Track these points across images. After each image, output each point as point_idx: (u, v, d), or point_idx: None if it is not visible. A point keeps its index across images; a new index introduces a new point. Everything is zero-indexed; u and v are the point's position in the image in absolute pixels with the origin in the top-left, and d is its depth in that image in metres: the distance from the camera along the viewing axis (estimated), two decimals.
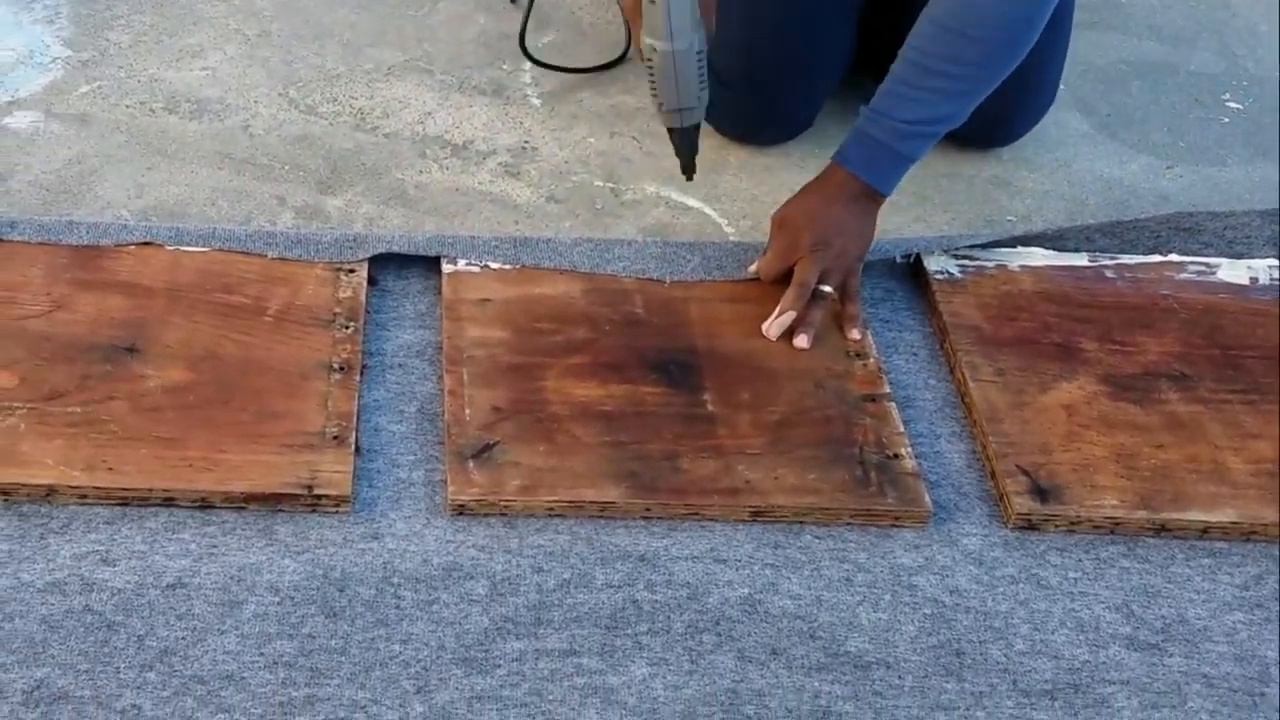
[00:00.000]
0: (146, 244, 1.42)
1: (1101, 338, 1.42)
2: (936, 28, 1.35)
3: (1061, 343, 1.41)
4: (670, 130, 1.41)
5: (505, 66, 1.78)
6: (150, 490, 1.18)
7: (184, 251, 1.42)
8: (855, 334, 1.40)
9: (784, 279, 1.41)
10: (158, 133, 1.62)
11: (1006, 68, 1.38)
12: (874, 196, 1.42)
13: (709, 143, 1.68)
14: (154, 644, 1.07)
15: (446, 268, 1.43)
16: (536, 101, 1.73)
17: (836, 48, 1.65)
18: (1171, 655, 1.15)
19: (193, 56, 1.75)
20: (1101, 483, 1.27)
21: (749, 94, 1.64)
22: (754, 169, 1.63)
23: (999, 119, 1.61)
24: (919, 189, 1.61)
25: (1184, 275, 1.50)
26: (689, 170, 1.43)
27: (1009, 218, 1.59)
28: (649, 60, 1.34)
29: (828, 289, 1.40)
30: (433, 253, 1.45)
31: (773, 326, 1.39)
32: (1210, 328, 1.44)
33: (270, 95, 1.70)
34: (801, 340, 1.39)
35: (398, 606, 1.13)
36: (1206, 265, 1.51)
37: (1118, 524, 1.24)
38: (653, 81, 1.36)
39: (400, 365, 1.35)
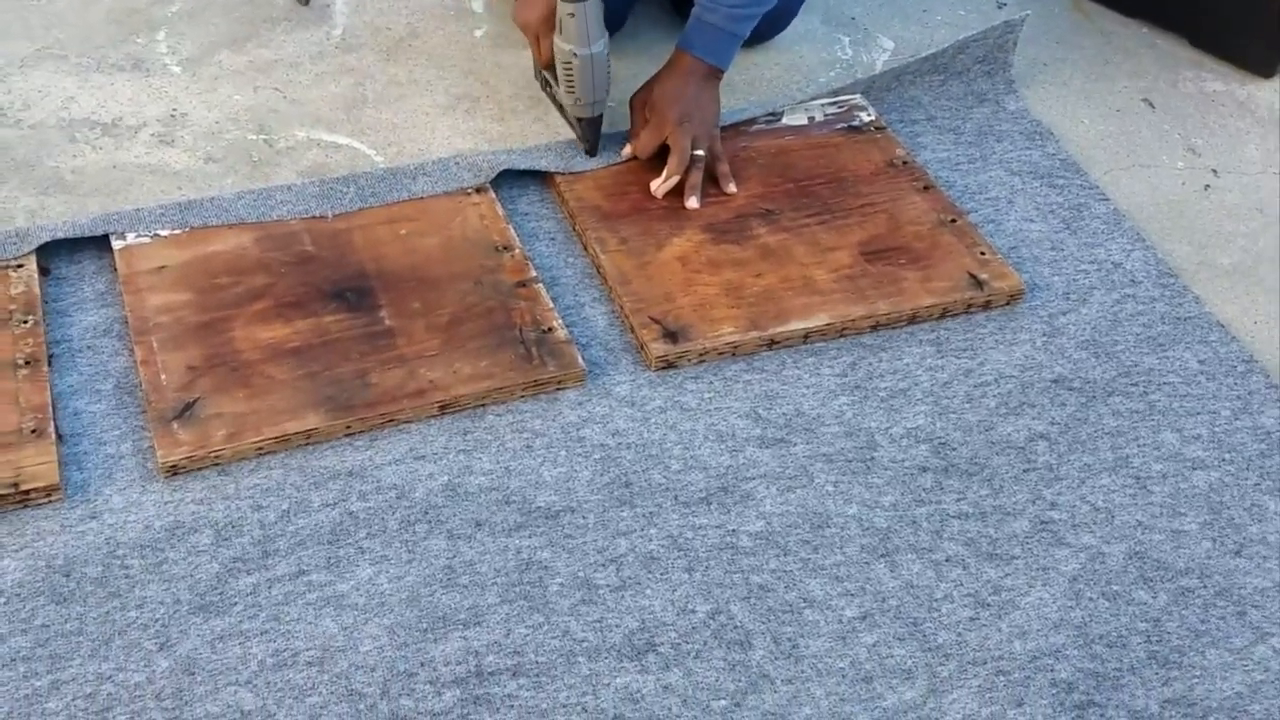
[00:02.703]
0: None
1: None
2: None
3: (667, 206, 1.37)
4: (579, 119, 1.41)
5: (139, 40, 1.57)
6: None
7: None
8: (731, 188, 1.39)
9: (660, 153, 1.39)
10: None
11: None
12: (716, 73, 1.42)
13: (343, 81, 1.56)
14: None
15: (116, 244, 1.28)
16: (177, 69, 1.54)
17: None
18: (795, 445, 1.17)
19: None
20: (718, 315, 1.26)
21: None
22: (389, 99, 1.51)
23: (771, 17, 1.55)
24: (534, 92, 1.51)
25: (756, 127, 1.48)
26: (594, 150, 1.43)
27: (610, 103, 1.46)
28: (568, 64, 1.36)
29: (701, 153, 1.39)
30: (99, 232, 1.29)
31: (661, 188, 1.38)
32: (783, 166, 1.43)
33: None
34: (693, 202, 1.37)
35: (127, 576, 1.02)
36: (772, 115, 1.50)
37: (736, 347, 1.24)
38: (570, 82, 1.37)
39: (89, 347, 1.20)
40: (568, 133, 1.46)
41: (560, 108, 1.47)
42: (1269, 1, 1.57)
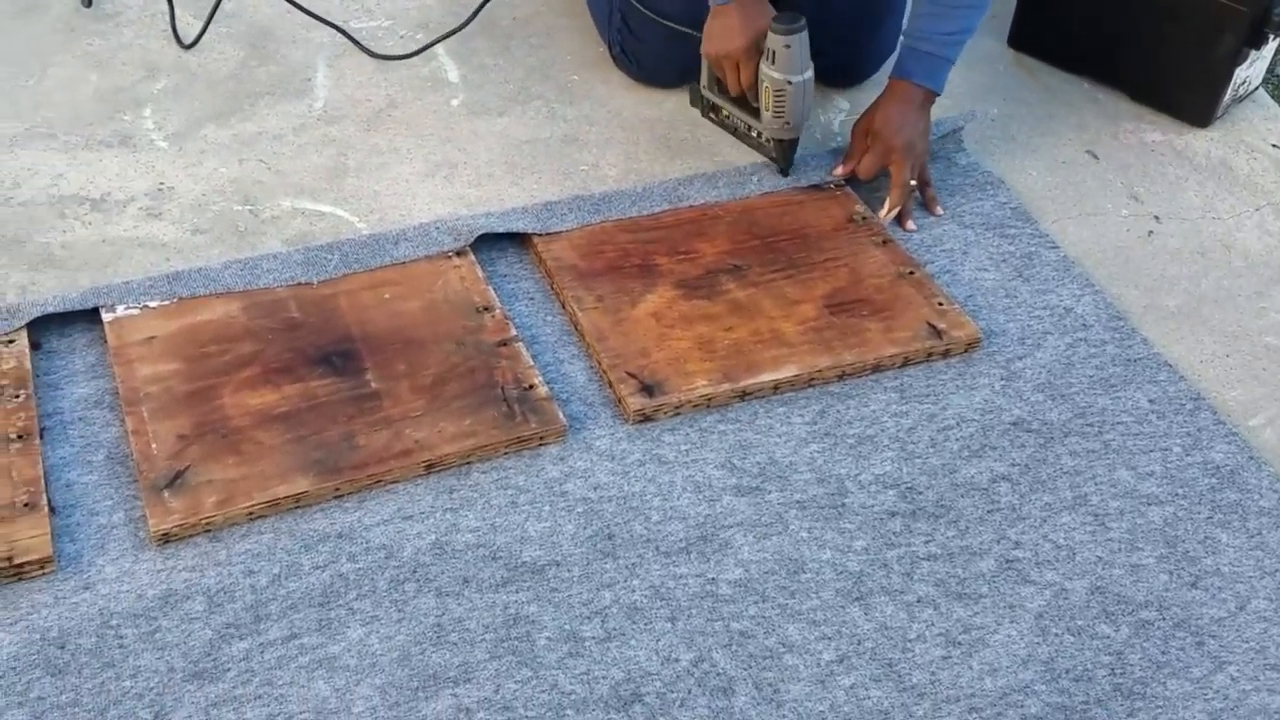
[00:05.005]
0: None
1: (670, 252, 1.39)
2: None
3: (640, 263, 1.38)
4: (779, 142, 1.47)
5: (126, 117, 1.56)
6: None
7: None
8: (940, 210, 1.47)
9: (877, 174, 1.47)
10: None
11: None
12: (932, 97, 1.47)
13: (326, 151, 1.55)
14: None
15: (106, 316, 1.26)
16: (164, 144, 1.53)
17: None
18: (770, 493, 1.17)
19: None
20: (691, 369, 1.25)
21: (656, 46, 1.59)
22: (370, 168, 1.50)
23: (854, 62, 1.64)
24: (509, 158, 1.52)
25: (721, 185, 1.49)
26: (788, 170, 1.49)
27: (582, 167, 1.53)
28: (781, 91, 1.42)
29: (914, 182, 1.45)
30: (89, 305, 1.27)
31: (887, 217, 1.45)
32: (749, 224, 1.44)
33: None
34: (911, 225, 1.45)
35: (121, 645, 1.00)
36: (736, 171, 1.50)
37: (710, 399, 1.24)
38: (781, 107, 1.43)
39: (81, 419, 1.19)
40: (543, 195, 1.47)
41: (735, 131, 1.54)
42: (1203, 57, 1.60)
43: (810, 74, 1.42)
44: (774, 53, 1.40)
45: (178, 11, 1.71)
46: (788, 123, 1.44)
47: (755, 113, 1.47)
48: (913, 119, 1.44)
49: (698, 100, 1.57)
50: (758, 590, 1.08)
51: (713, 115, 1.56)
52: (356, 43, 1.69)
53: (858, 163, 1.47)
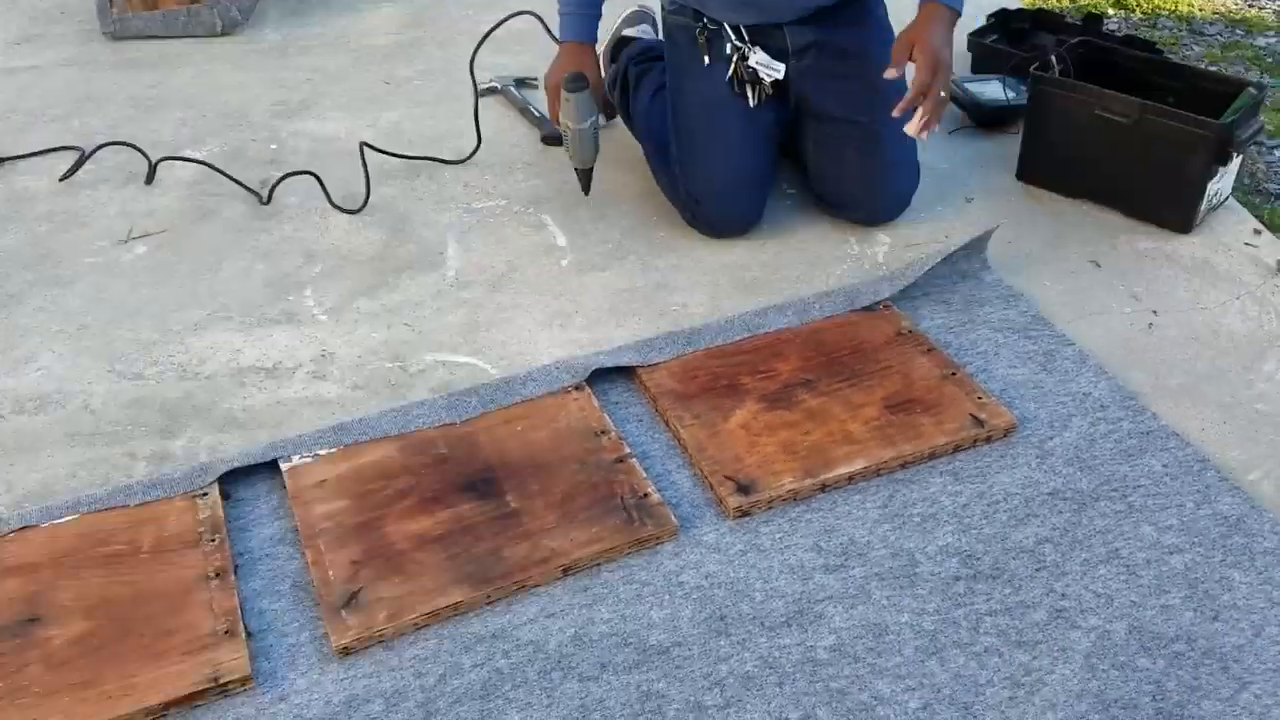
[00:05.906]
0: (23, 529, 1.31)
1: (752, 372, 1.52)
2: None
3: (729, 384, 1.51)
4: (577, 170, 1.77)
5: (290, 297, 1.72)
6: None
7: (57, 525, 1.31)
8: (933, 128, 1.58)
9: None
10: (11, 434, 1.48)
11: None
12: (956, 16, 1.61)
13: (460, 311, 1.66)
14: None
15: (284, 466, 1.38)
16: (323, 318, 1.68)
17: (768, 170, 1.81)
18: (853, 569, 1.28)
19: (26, 362, 1.60)
20: (778, 469, 1.37)
21: (716, 207, 1.79)
22: (498, 322, 1.65)
23: (874, 216, 1.79)
24: (612, 305, 1.66)
25: (790, 313, 1.62)
26: (586, 190, 1.79)
27: (673, 307, 1.67)
28: (565, 132, 1.72)
29: (943, 94, 1.58)
30: (269, 458, 1.40)
31: (918, 127, 1.58)
32: (816, 344, 1.57)
33: (100, 374, 1.57)
34: (925, 134, 1.58)
35: None
36: (802, 301, 1.64)
37: (796, 493, 1.36)
38: (569, 147, 1.74)
39: (268, 555, 1.30)
40: (643, 333, 1.61)
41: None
42: (1181, 175, 1.76)
43: (586, 125, 1.68)
44: (565, 101, 1.67)
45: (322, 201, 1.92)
46: (573, 157, 1.72)
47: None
48: (944, 36, 1.59)
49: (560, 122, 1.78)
50: (849, 653, 1.19)
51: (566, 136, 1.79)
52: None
53: (902, 71, 1.60)
